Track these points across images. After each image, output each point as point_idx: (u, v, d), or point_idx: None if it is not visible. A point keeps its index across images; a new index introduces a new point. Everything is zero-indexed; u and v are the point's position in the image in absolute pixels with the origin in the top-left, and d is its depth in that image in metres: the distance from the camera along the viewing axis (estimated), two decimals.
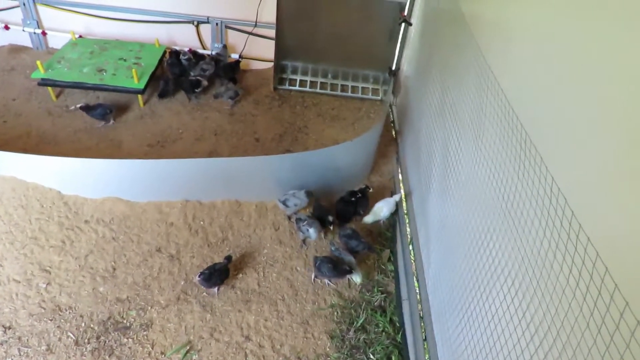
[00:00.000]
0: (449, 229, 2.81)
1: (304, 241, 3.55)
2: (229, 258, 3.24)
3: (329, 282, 3.32)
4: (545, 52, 1.80)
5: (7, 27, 5.13)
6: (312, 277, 3.34)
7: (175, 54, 4.94)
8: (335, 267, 3.23)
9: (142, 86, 4.46)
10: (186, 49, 5.13)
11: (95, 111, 4.29)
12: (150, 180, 3.49)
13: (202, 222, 3.55)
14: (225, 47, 5.16)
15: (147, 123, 4.47)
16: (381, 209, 3.73)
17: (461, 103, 2.80)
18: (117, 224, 3.42)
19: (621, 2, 1.35)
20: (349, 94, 5.20)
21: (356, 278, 3.33)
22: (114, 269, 3.18)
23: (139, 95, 4.56)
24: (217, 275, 3.11)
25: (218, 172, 3.58)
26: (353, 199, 3.73)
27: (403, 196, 4.05)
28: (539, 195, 1.69)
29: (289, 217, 3.74)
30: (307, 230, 3.44)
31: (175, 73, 4.82)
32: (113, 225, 3.41)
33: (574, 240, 1.42)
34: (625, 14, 1.32)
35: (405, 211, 3.89)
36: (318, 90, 5.19)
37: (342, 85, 5.27)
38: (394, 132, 4.86)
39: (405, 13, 4.51)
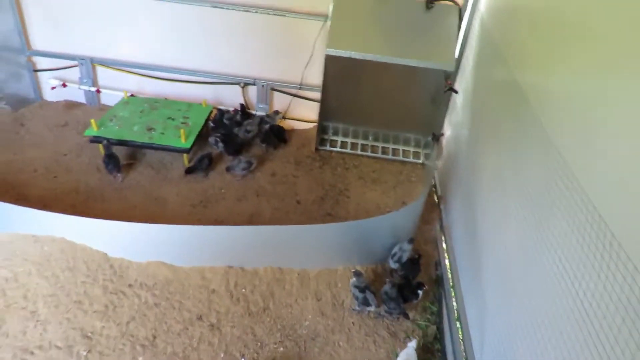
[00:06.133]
0: (507, 317, 2.65)
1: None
2: None
3: None
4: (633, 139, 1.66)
5: (64, 85, 5.40)
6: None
7: (220, 114, 5.07)
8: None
9: (188, 145, 4.56)
10: (231, 109, 5.27)
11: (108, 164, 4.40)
12: (194, 245, 3.48)
13: (243, 290, 3.48)
14: (277, 112, 5.26)
15: (190, 182, 4.53)
16: None
17: (519, 178, 2.71)
18: (159, 289, 3.39)
19: None
20: (390, 156, 5.19)
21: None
22: (154, 337, 3.12)
23: (185, 155, 4.66)
24: None
25: (260, 239, 3.56)
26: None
27: (448, 266, 3.91)
28: (628, 301, 1.56)
29: (392, 272, 3.71)
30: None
31: (222, 134, 4.91)
32: (156, 290, 3.39)
33: None
34: None
35: (451, 284, 3.74)
36: (359, 152, 5.20)
37: (382, 147, 5.27)
38: (436, 197, 4.78)
39: (451, 82, 4.53)
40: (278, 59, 5.14)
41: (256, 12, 4.83)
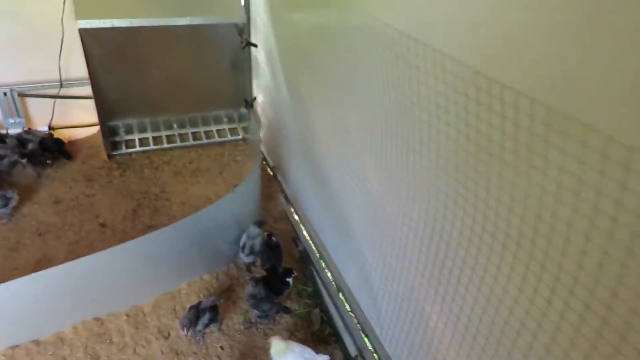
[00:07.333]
0: (395, 264, 2.20)
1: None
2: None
3: None
4: None
5: None
6: None
7: None
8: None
9: None
10: None
11: None
12: None
13: None
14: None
15: None
16: None
17: (359, 96, 2.25)
18: None
19: None
20: (204, 140, 4.38)
21: None
22: None
23: None
24: None
25: (52, 289, 2.43)
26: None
27: (308, 237, 3.37)
28: None
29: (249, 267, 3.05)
30: None
31: None
32: None
33: None
34: None
35: (318, 255, 3.20)
36: (165, 145, 4.26)
37: (192, 133, 4.42)
38: (270, 170, 4.18)
39: (247, 36, 3.91)
40: (17, 54, 3.83)
41: None
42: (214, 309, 2.56)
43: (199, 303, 2.55)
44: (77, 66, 3.89)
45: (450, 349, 1.86)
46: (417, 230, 1.92)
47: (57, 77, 3.94)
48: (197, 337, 2.55)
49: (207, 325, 2.53)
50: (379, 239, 2.30)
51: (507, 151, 1.31)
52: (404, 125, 1.87)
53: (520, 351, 1.40)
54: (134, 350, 2.50)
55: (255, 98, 4.23)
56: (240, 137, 4.49)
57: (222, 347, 2.57)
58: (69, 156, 3.91)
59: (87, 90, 3.88)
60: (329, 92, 2.63)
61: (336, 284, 2.95)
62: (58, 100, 4.06)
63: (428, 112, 1.66)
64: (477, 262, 1.56)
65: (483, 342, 1.59)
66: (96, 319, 2.59)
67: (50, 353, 2.39)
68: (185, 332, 2.40)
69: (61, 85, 3.98)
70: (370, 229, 2.40)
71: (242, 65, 4.18)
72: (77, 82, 4.02)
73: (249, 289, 2.64)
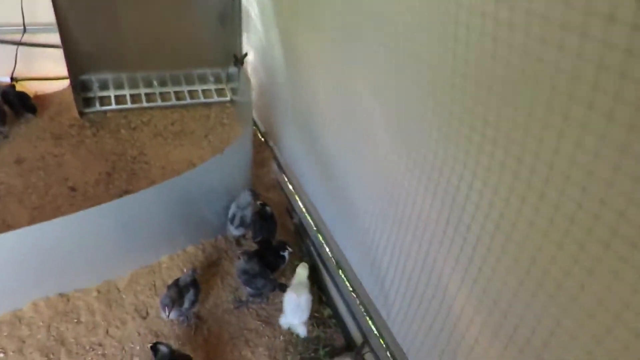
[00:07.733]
0: (397, 229, 1.91)
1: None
2: None
3: None
4: None
5: None
6: None
7: None
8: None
9: None
10: None
11: None
12: None
13: (2, 355, 1.99)
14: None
15: None
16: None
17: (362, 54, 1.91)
18: None
19: None
20: (188, 100, 3.98)
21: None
22: None
23: None
24: None
25: (13, 259, 2.06)
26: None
27: (303, 209, 3.05)
28: None
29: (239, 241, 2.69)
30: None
31: None
32: None
33: None
34: None
35: (315, 228, 2.89)
36: (144, 104, 3.84)
37: (175, 92, 4.01)
38: (260, 135, 3.82)
39: None
40: None
41: None
42: (195, 283, 2.23)
43: (178, 280, 2.22)
44: (44, 9, 3.40)
45: (480, 338, 1.60)
46: (430, 184, 1.62)
47: (19, 20, 3.45)
48: (182, 318, 2.23)
49: (193, 303, 2.21)
50: (386, 205, 2.00)
51: (541, 73, 1.02)
52: (424, 66, 1.54)
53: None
54: (107, 331, 2.17)
55: (246, 54, 3.82)
56: (228, 98, 4.10)
57: (208, 329, 2.26)
58: (34, 109, 3.46)
59: (56, 38, 3.41)
60: (332, 45, 2.27)
61: (336, 260, 2.65)
62: (22, 47, 3.57)
63: (453, 52, 1.34)
64: (502, 217, 1.29)
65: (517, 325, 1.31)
66: (61, 295, 2.24)
67: (5, 334, 2.04)
68: (167, 314, 2.06)
69: (25, 31, 3.50)
70: (375, 196, 2.10)
71: (231, 17, 3.75)
72: (43, 28, 3.54)
73: (241, 263, 2.31)
